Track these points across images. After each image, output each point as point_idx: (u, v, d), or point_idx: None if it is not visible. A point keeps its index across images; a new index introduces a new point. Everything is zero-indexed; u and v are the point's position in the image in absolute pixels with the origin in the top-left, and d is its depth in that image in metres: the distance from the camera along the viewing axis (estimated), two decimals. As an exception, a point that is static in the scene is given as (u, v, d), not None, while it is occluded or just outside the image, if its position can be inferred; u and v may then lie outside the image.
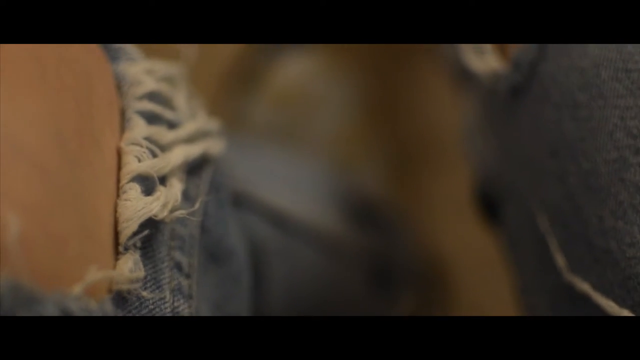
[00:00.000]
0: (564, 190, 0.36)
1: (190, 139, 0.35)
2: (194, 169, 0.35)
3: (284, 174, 0.54)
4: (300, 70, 0.75)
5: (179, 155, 0.33)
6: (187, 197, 0.34)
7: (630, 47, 0.34)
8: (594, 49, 0.35)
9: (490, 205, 0.45)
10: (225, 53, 0.80)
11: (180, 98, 0.36)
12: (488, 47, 0.40)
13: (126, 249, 0.30)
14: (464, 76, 0.44)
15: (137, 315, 0.30)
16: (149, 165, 0.32)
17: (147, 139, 0.32)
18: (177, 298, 0.32)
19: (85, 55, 0.32)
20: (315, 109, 0.74)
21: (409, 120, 0.82)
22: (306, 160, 0.62)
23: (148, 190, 0.32)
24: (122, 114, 0.33)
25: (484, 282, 0.73)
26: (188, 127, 0.35)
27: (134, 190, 0.31)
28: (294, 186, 0.53)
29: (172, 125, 0.35)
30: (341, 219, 0.58)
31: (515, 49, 0.38)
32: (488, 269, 0.64)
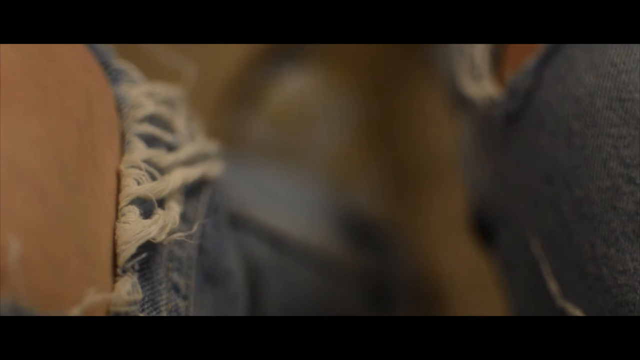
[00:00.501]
0: (557, 216, 0.37)
1: (189, 162, 0.35)
2: (192, 191, 0.36)
3: (281, 193, 0.54)
4: (299, 89, 0.76)
5: (178, 178, 0.34)
6: (185, 219, 0.34)
7: (624, 77, 0.34)
8: (589, 77, 0.35)
9: (485, 229, 0.45)
10: (224, 72, 0.80)
11: (179, 120, 0.36)
12: (485, 73, 0.40)
13: (124, 271, 0.31)
14: (460, 101, 0.44)
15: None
16: (148, 189, 0.32)
17: (146, 161, 0.33)
18: None
19: (85, 78, 0.32)
20: (313, 128, 0.74)
21: (407, 140, 0.82)
22: (304, 179, 0.62)
23: (147, 212, 0.32)
24: (122, 136, 0.34)
25: (479, 302, 0.73)
26: (187, 150, 0.35)
27: (132, 213, 0.31)
28: (292, 205, 0.54)
29: (171, 147, 0.35)
30: (338, 238, 0.58)
31: (511, 75, 0.38)
32: (484, 288, 0.64)
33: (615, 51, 0.34)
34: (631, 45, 0.34)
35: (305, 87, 0.76)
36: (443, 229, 0.80)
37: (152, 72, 0.37)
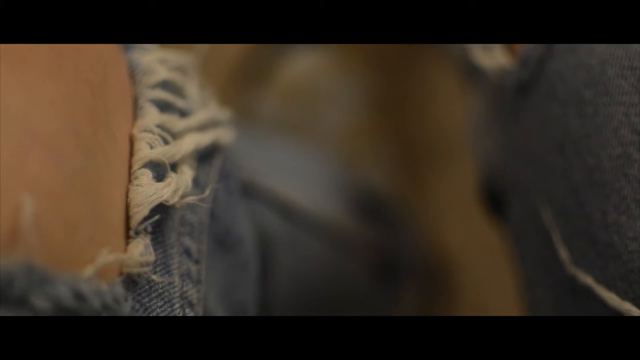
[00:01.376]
0: (569, 185, 0.37)
1: (201, 128, 0.36)
2: (204, 156, 0.36)
3: (293, 165, 0.55)
4: (309, 66, 0.76)
5: (190, 143, 0.34)
6: (197, 184, 0.35)
7: (636, 46, 0.34)
8: (600, 46, 0.35)
9: (495, 201, 0.45)
10: (234, 48, 0.80)
11: (192, 87, 0.36)
12: (496, 44, 0.40)
13: (137, 233, 0.31)
14: (472, 72, 0.44)
15: (146, 298, 0.31)
16: (161, 152, 0.32)
17: (159, 126, 0.33)
18: (185, 283, 0.33)
19: (102, 46, 0.32)
20: (323, 105, 0.75)
21: (416, 117, 0.82)
22: (315, 154, 0.62)
23: (159, 176, 0.32)
24: (135, 101, 0.34)
25: (488, 278, 0.73)
26: (199, 116, 0.35)
27: (145, 176, 0.31)
28: (303, 178, 0.54)
29: (183, 113, 0.35)
30: (348, 212, 0.59)
31: (522, 45, 0.38)
32: (492, 265, 0.64)
33: None
34: None
35: (315, 64, 0.76)
36: (452, 206, 0.80)
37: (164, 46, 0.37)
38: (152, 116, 0.33)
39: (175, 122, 0.34)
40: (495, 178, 0.44)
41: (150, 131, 0.33)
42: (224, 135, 0.37)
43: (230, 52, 0.80)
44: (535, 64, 0.38)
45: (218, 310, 0.36)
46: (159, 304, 0.31)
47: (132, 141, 0.32)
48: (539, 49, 0.37)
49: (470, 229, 0.75)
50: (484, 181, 0.46)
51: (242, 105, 0.77)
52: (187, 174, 0.33)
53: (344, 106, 0.75)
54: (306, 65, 0.76)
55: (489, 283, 0.73)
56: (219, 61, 0.79)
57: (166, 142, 0.33)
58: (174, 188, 0.32)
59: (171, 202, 0.32)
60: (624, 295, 0.34)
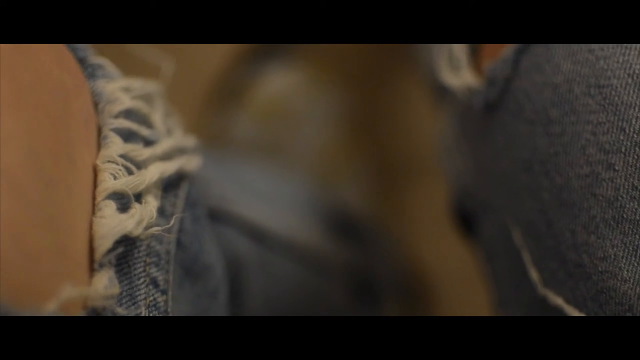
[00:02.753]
0: (538, 204, 0.37)
1: (166, 156, 0.35)
2: (170, 185, 0.35)
3: (263, 189, 0.54)
4: (282, 86, 0.76)
5: (155, 172, 0.34)
6: (163, 213, 0.34)
7: (602, 63, 0.34)
8: (567, 64, 0.35)
9: (466, 220, 0.45)
10: (208, 71, 0.80)
11: (157, 115, 0.36)
12: (463, 63, 0.40)
13: (101, 265, 0.30)
14: (441, 92, 0.44)
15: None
16: (124, 183, 0.32)
17: (123, 156, 0.33)
18: (152, 314, 0.33)
19: (61, 73, 0.32)
20: (297, 125, 0.74)
21: (390, 135, 0.82)
22: (288, 175, 0.62)
23: (123, 207, 0.32)
24: (99, 131, 0.33)
25: (464, 294, 0.73)
26: (164, 145, 0.35)
27: (109, 208, 0.31)
28: (273, 201, 0.54)
29: (148, 142, 0.35)
30: (322, 233, 0.58)
31: (489, 64, 0.38)
32: (469, 280, 0.64)
33: None
34: None
35: (288, 84, 0.76)
36: (428, 223, 0.80)
37: (132, 68, 0.37)
38: (115, 146, 0.33)
39: (140, 151, 0.34)
40: (467, 198, 0.44)
41: (114, 161, 0.32)
42: (190, 163, 0.37)
43: (204, 74, 0.79)
44: (502, 83, 0.38)
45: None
46: None
47: (95, 172, 0.32)
48: (505, 68, 0.37)
49: (446, 245, 0.75)
50: (454, 199, 0.46)
51: (216, 128, 0.77)
52: (151, 204, 0.33)
53: (318, 125, 0.75)
54: (279, 84, 0.76)
55: (465, 297, 0.73)
56: (192, 84, 0.79)
57: (130, 172, 0.33)
58: (138, 219, 0.32)
59: (135, 233, 0.31)
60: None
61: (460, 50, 0.40)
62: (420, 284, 0.74)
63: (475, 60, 0.41)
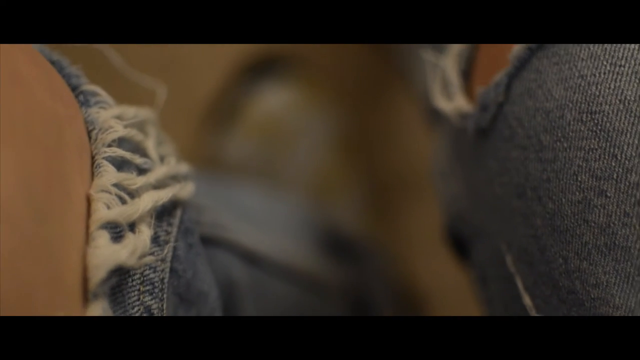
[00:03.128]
0: (531, 230, 0.37)
1: (159, 184, 0.35)
2: (163, 212, 0.35)
3: (258, 211, 0.54)
4: (277, 106, 0.76)
5: (148, 201, 0.34)
6: (156, 241, 0.34)
7: (593, 89, 0.34)
8: (559, 90, 0.35)
9: (460, 243, 0.45)
10: (204, 89, 0.81)
11: (150, 143, 0.36)
12: (456, 88, 0.40)
13: (95, 295, 0.30)
14: (434, 115, 0.44)
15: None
16: (118, 213, 0.32)
17: (116, 185, 0.33)
18: None
19: (54, 103, 0.32)
20: (292, 143, 0.75)
21: (385, 153, 0.82)
22: (282, 195, 0.62)
23: (117, 236, 0.32)
24: (93, 159, 0.33)
25: (458, 311, 0.73)
26: (157, 172, 0.35)
27: (102, 238, 0.31)
28: (268, 223, 0.54)
29: (141, 170, 0.35)
30: (316, 253, 0.58)
31: (481, 89, 0.38)
32: (463, 298, 0.64)
33: (584, 63, 0.35)
34: (599, 57, 0.34)
35: (283, 103, 0.76)
36: (422, 241, 0.80)
37: (126, 93, 0.37)
38: (109, 175, 0.33)
39: (133, 180, 0.34)
40: (460, 220, 0.44)
41: (107, 191, 0.32)
42: (183, 190, 0.37)
43: (200, 96, 0.80)
44: (494, 109, 0.38)
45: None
46: None
47: (89, 201, 0.32)
48: (498, 93, 0.37)
49: (440, 262, 0.75)
50: (448, 224, 0.46)
51: (212, 148, 0.77)
52: (145, 234, 0.33)
53: (313, 144, 0.75)
54: (274, 103, 0.76)
55: (460, 315, 0.73)
56: (189, 106, 0.79)
57: (124, 201, 0.33)
58: (132, 249, 0.32)
59: (129, 263, 0.32)
60: None
61: (453, 74, 0.41)
62: (415, 301, 0.74)
63: (468, 85, 0.41)
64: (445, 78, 0.41)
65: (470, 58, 0.41)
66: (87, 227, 0.32)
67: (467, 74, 0.41)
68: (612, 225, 0.33)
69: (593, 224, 0.34)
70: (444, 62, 0.41)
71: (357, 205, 0.75)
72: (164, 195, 0.35)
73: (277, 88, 0.76)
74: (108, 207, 0.32)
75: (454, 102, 0.40)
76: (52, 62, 0.35)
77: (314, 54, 0.82)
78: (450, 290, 0.75)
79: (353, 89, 0.82)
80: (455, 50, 0.41)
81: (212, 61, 0.81)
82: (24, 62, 0.32)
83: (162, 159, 0.37)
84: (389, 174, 0.82)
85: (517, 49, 0.36)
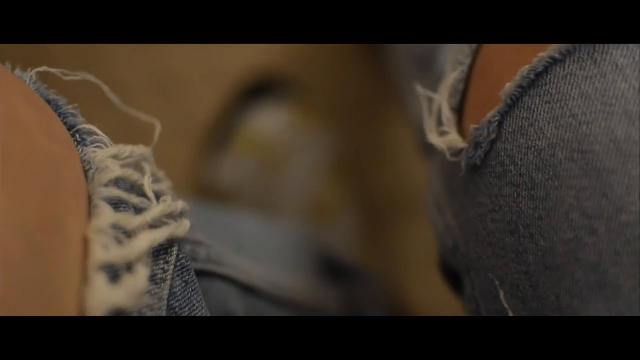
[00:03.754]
0: (523, 267, 0.37)
1: (156, 223, 0.36)
2: (160, 251, 0.36)
3: (255, 239, 0.54)
4: (272, 128, 0.76)
5: (145, 241, 0.34)
6: (153, 279, 0.35)
7: (585, 128, 0.34)
8: (550, 129, 0.35)
9: (454, 275, 0.46)
10: (202, 116, 0.81)
11: (146, 181, 0.36)
12: (449, 123, 0.41)
13: (92, 337, 0.31)
14: (428, 149, 0.44)
15: None
16: (115, 255, 0.32)
17: (113, 225, 0.33)
18: None
19: (51, 144, 0.32)
20: (287, 165, 0.75)
21: (380, 176, 0.82)
22: (278, 221, 0.63)
23: (114, 276, 0.32)
24: (90, 199, 0.34)
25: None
26: (154, 212, 0.36)
27: (99, 280, 0.31)
28: (265, 252, 0.54)
29: (138, 209, 0.35)
30: (312, 279, 0.59)
31: (474, 126, 0.39)
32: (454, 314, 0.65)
33: (575, 102, 0.35)
34: (590, 96, 0.35)
35: (278, 125, 0.76)
36: (416, 262, 0.80)
37: (122, 127, 0.37)
38: (105, 216, 0.33)
39: (130, 220, 0.34)
40: (454, 253, 0.44)
41: (104, 232, 0.33)
42: (179, 229, 0.37)
43: (198, 120, 0.80)
44: (487, 146, 0.38)
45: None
46: None
47: (86, 242, 0.32)
48: (490, 131, 0.38)
49: (434, 285, 0.76)
50: (442, 256, 0.46)
51: (208, 171, 0.77)
52: (142, 274, 0.33)
53: (307, 165, 0.76)
54: (269, 125, 0.77)
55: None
56: (187, 130, 0.79)
57: (121, 242, 0.33)
58: (129, 290, 0.32)
59: (126, 304, 0.32)
60: None
61: (446, 110, 0.41)
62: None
63: (461, 121, 0.41)
64: (439, 113, 0.41)
65: (463, 94, 0.41)
66: (85, 268, 0.32)
67: (460, 109, 0.41)
68: (603, 263, 0.34)
69: (584, 262, 0.34)
70: (437, 97, 0.42)
71: (351, 227, 0.75)
72: (160, 236, 0.35)
73: (272, 110, 0.77)
74: (105, 249, 0.32)
75: (447, 138, 0.41)
76: (49, 102, 0.35)
77: (308, 77, 0.83)
78: (443, 311, 0.76)
79: (347, 112, 0.82)
80: (448, 86, 0.41)
81: (211, 84, 0.82)
82: (20, 103, 0.32)
83: (158, 196, 0.37)
84: (383, 195, 0.82)
85: (509, 87, 0.37)
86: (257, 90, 0.78)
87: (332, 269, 0.64)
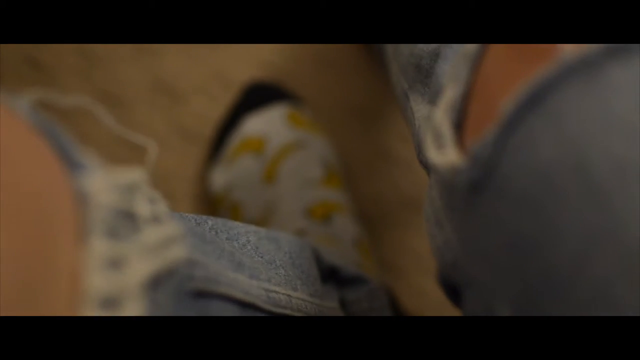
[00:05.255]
0: (522, 285, 0.37)
1: (151, 250, 0.35)
2: (157, 281, 0.35)
3: (252, 251, 0.54)
4: (268, 134, 0.76)
5: (140, 271, 0.33)
6: (149, 309, 0.34)
7: (584, 148, 0.34)
8: (549, 148, 0.35)
9: (454, 290, 0.45)
10: (206, 131, 0.81)
11: (141, 206, 0.36)
12: (448, 141, 0.40)
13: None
14: (427, 165, 0.44)
15: None
16: (108, 285, 0.32)
17: (107, 254, 0.33)
18: None
19: (40, 175, 0.32)
20: (281, 170, 0.75)
21: (371, 184, 0.82)
22: (275, 232, 0.62)
23: (109, 309, 0.32)
24: (83, 228, 0.33)
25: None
26: (149, 238, 0.35)
27: (92, 312, 0.31)
28: (263, 266, 0.53)
29: (133, 237, 0.35)
30: (313, 292, 0.58)
31: (473, 144, 0.38)
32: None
33: (575, 121, 0.35)
34: (590, 115, 0.34)
35: (274, 132, 0.76)
36: (409, 273, 0.80)
37: (119, 147, 0.37)
38: (99, 246, 0.33)
39: (125, 249, 0.33)
40: (453, 269, 0.44)
41: (98, 261, 0.32)
42: (176, 254, 0.37)
43: (203, 135, 0.80)
44: (486, 164, 0.38)
45: None
46: None
47: (78, 273, 0.32)
48: (488, 149, 0.37)
49: (424, 294, 0.76)
50: (442, 271, 0.46)
51: (206, 181, 0.77)
52: (137, 304, 0.33)
53: (300, 174, 0.76)
54: (262, 129, 0.77)
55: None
56: (192, 140, 0.79)
57: (116, 271, 0.33)
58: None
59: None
60: None
61: (445, 127, 0.41)
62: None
63: (460, 138, 0.41)
64: (437, 130, 0.41)
65: (462, 111, 0.41)
66: (77, 300, 0.31)
67: (459, 126, 0.41)
68: (606, 281, 0.33)
69: (586, 280, 0.34)
70: (436, 114, 0.41)
71: (350, 233, 0.75)
72: (156, 264, 0.35)
73: (266, 117, 0.77)
74: (99, 279, 0.32)
75: (445, 156, 0.40)
76: (42, 128, 0.35)
77: (303, 85, 0.83)
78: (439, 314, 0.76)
79: (339, 121, 0.82)
80: (447, 101, 0.41)
81: (208, 94, 0.82)
82: (11, 132, 0.32)
83: (155, 219, 0.37)
84: (374, 205, 0.82)
85: (508, 105, 0.36)
86: (254, 99, 0.78)
87: (333, 279, 0.64)
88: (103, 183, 0.35)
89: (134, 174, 0.36)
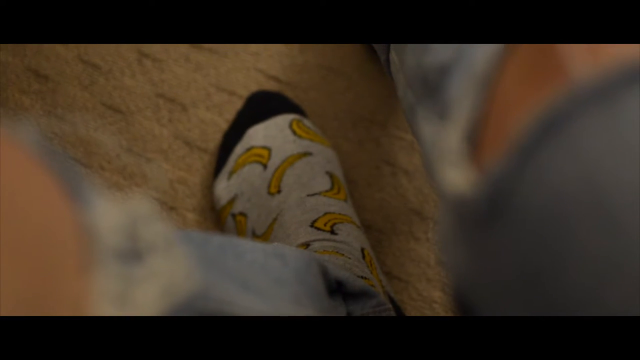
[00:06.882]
0: (537, 311, 0.36)
1: (160, 276, 0.35)
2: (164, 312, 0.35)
3: (260, 270, 0.54)
4: (271, 143, 0.76)
5: (149, 300, 0.33)
6: None
7: (602, 179, 0.34)
8: (567, 173, 0.35)
9: (468, 307, 0.45)
10: (211, 146, 0.81)
11: (148, 232, 0.36)
12: (463, 167, 0.40)
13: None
14: (439, 189, 0.44)
15: None
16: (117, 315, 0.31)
17: (114, 284, 0.32)
18: None
19: (50, 203, 0.31)
20: (281, 178, 0.75)
21: (371, 194, 0.82)
22: (282, 248, 0.62)
23: None
24: (90, 257, 0.33)
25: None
26: (157, 264, 0.35)
27: None
28: (271, 285, 0.53)
29: (141, 264, 0.34)
30: (320, 308, 0.58)
31: (489, 171, 0.38)
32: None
33: (591, 151, 0.34)
34: (608, 144, 0.34)
35: (276, 140, 0.76)
36: (412, 283, 0.80)
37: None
38: (107, 274, 0.32)
39: (133, 277, 0.33)
40: (464, 288, 0.44)
41: (105, 290, 0.32)
42: (183, 278, 0.36)
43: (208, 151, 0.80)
44: (499, 189, 0.37)
45: None
46: None
47: (86, 302, 0.32)
48: (502, 177, 0.37)
49: (424, 303, 0.75)
50: (455, 289, 0.46)
51: (212, 197, 0.77)
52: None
53: (300, 179, 0.76)
54: (262, 138, 0.77)
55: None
56: (190, 151, 0.79)
57: (124, 301, 0.32)
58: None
59: None
60: None
61: (459, 152, 0.40)
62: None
63: (474, 161, 0.40)
64: (451, 154, 0.41)
65: (476, 133, 0.40)
66: None
67: (473, 147, 0.40)
68: (620, 309, 0.33)
69: (600, 309, 0.33)
70: (450, 137, 0.41)
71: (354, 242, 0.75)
72: (164, 290, 0.34)
73: (270, 127, 0.77)
74: (107, 308, 0.32)
75: (457, 180, 0.40)
76: (45, 158, 0.34)
77: (307, 94, 0.83)
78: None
79: (345, 129, 0.82)
80: (460, 125, 0.40)
81: (218, 108, 0.82)
82: (14, 162, 0.31)
83: (162, 245, 0.36)
84: (379, 213, 0.82)
85: (526, 130, 0.36)
86: (258, 109, 0.78)
87: (339, 292, 0.63)
88: (111, 211, 0.34)
89: (142, 202, 0.36)
